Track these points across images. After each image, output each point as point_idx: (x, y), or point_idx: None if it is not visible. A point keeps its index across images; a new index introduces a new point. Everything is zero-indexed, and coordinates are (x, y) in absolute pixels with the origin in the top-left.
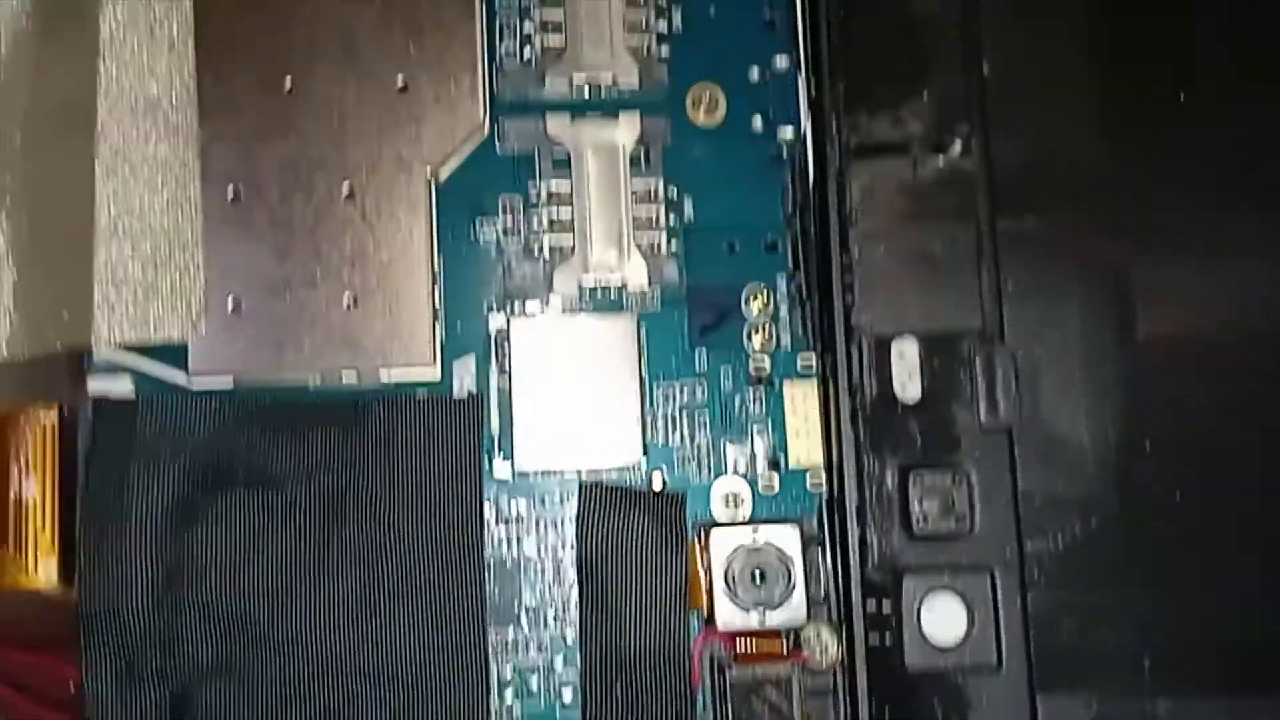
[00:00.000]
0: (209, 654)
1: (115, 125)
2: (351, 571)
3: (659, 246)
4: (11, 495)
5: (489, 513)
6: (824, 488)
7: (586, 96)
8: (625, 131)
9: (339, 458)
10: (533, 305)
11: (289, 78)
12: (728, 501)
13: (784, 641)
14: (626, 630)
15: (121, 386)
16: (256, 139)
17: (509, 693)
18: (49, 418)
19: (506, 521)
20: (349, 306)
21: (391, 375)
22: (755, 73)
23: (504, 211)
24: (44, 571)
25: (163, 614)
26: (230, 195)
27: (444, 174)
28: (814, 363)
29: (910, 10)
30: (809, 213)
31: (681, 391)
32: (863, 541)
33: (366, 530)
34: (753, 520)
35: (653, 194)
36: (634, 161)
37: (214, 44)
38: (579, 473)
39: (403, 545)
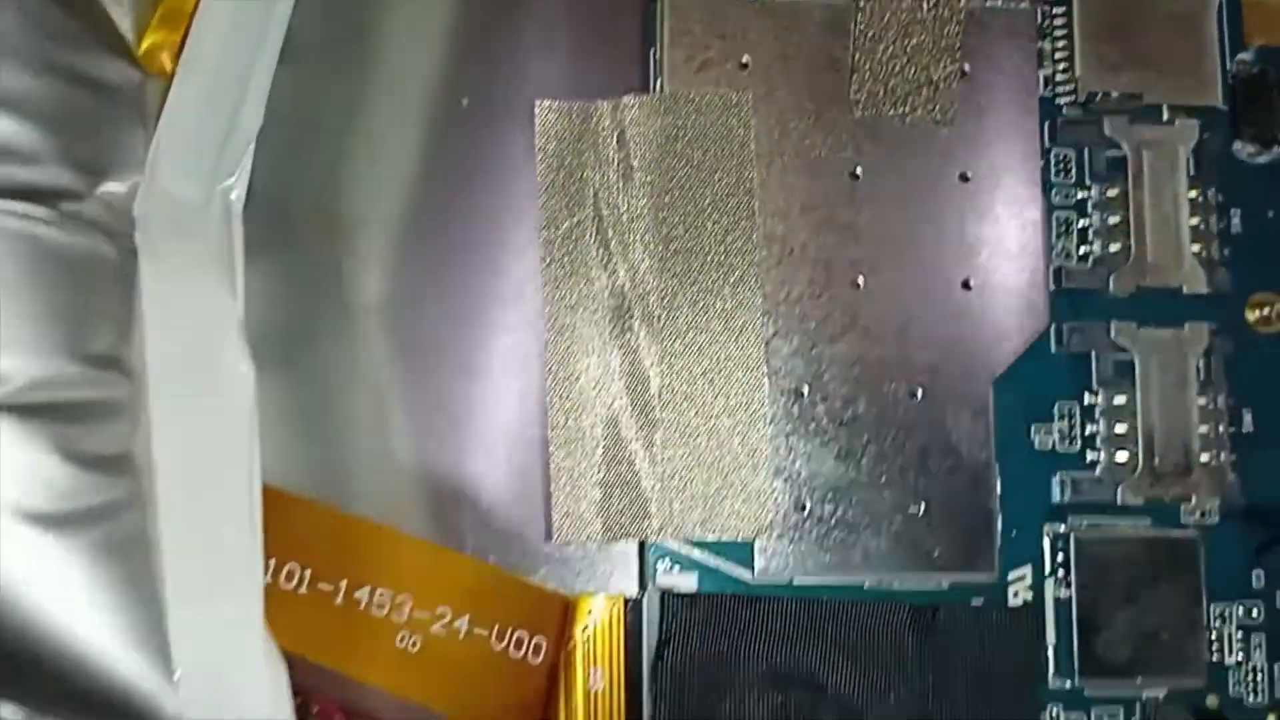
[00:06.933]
0: None
1: None
2: None
3: (1219, 459)
4: (580, 686)
5: None
6: None
7: (1150, 302)
8: (1191, 341)
9: (908, 667)
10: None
11: (860, 276)
12: None
13: None
14: None
15: (687, 581)
16: (821, 339)
17: None
18: (616, 608)
19: None
20: (916, 512)
21: (945, 581)
22: None
23: (1059, 418)
24: None
25: None
26: (794, 395)
27: (1003, 376)
28: None
29: None
30: None
31: (1239, 610)
32: None
33: None
34: None
35: (1214, 405)
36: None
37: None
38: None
39: None
